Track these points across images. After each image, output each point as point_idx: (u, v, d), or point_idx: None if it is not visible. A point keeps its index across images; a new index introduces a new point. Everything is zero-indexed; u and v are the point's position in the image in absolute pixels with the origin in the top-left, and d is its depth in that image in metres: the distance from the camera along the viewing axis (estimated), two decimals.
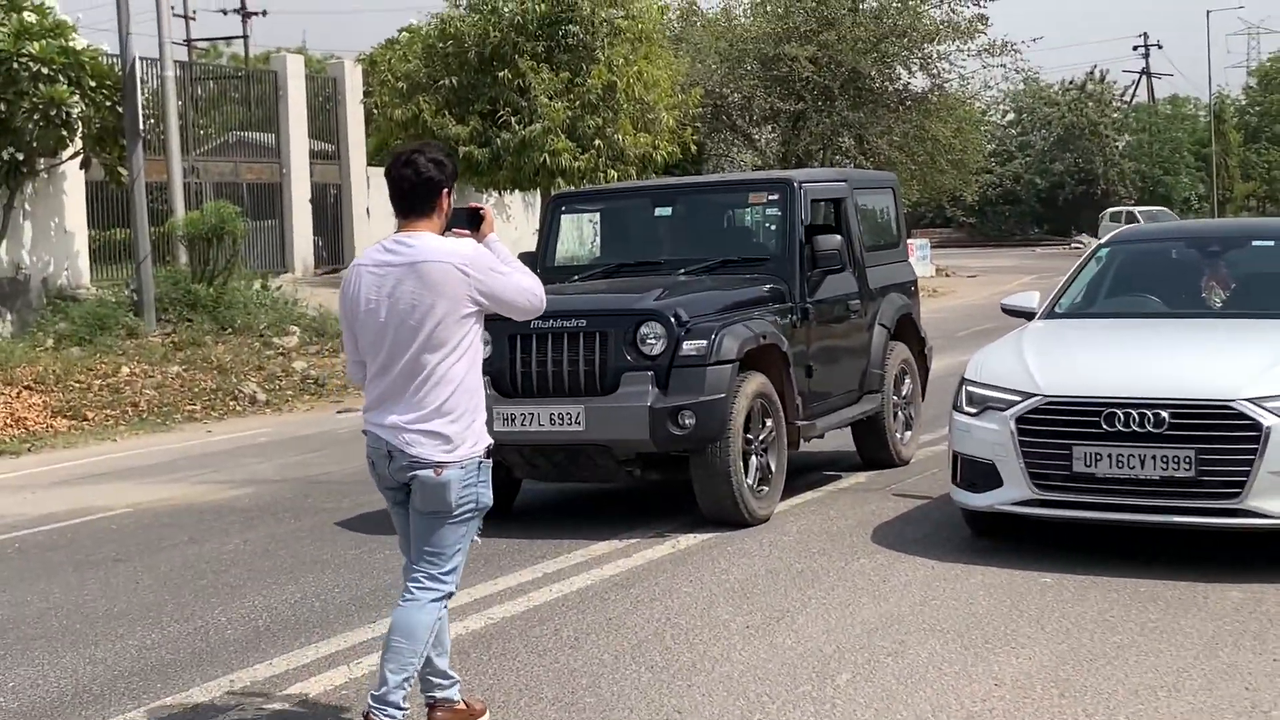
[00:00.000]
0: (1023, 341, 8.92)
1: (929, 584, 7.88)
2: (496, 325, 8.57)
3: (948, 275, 45.21)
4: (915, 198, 45.59)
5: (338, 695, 6.31)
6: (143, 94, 22.50)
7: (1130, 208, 58.84)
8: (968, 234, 68.25)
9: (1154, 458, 7.76)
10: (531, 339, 9.00)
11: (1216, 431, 7.70)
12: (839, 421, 10.71)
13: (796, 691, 6.13)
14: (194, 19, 61.30)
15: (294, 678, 6.57)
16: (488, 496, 5.46)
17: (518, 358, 9.03)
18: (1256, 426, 7.63)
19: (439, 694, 5.61)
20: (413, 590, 5.42)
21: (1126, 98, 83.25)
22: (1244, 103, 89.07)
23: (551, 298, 9.24)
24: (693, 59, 36.69)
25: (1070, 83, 73.39)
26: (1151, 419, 7.77)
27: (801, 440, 9.94)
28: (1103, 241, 10.56)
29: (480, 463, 5.39)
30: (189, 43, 58.06)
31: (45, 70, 20.73)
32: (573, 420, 8.91)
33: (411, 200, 5.37)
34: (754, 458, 9.29)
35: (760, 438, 9.36)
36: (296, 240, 29.60)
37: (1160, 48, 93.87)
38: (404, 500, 5.49)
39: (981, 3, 39.10)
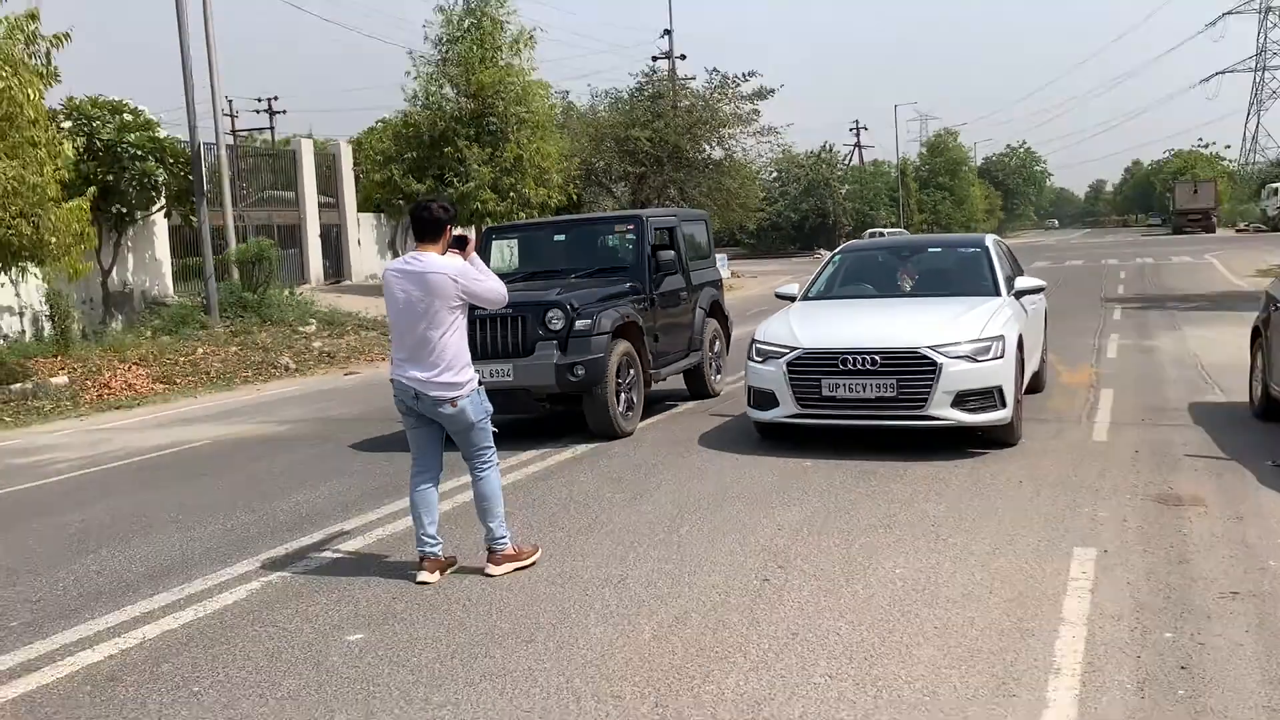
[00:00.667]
0: (790, 315, 9.09)
1: (733, 469, 8.03)
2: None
3: (739, 276, 45.54)
4: (717, 227, 45.78)
5: (356, 555, 6.31)
6: (205, 166, 22.06)
7: (882, 228, 59.62)
8: (750, 250, 68.70)
9: (872, 385, 7.98)
10: (481, 321, 8.97)
11: (909, 368, 7.93)
12: (676, 369, 10.83)
13: (655, 539, 6.24)
14: (237, 116, 59.76)
15: (330, 544, 6.57)
16: (489, 404, 5.81)
17: (475, 334, 8.99)
18: (934, 364, 7.88)
19: (430, 549, 5.69)
20: (475, 473, 5.82)
21: (846, 162, 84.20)
22: (918, 164, 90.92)
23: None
24: (571, 139, 36.66)
25: (811, 153, 74.13)
26: (869, 361, 7.99)
27: (653, 382, 10.04)
28: (836, 250, 10.77)
29: (477, 389, 5.73)
30: (233, 131, 56.42)
31: (139, 153, 20.45)
32: (505, 374, 8.94)
33: (425, 230, 5.68)
34: (623, 394, 9.36)
35: (627, 381, 9.44)
36: (311, 262, 29.08)
37: (866, 129, 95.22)
38: (423, 425, 5.80)
39: (755, 103, 39.50)
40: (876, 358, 7.98)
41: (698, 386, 11.45)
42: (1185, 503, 6.65)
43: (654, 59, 44.91)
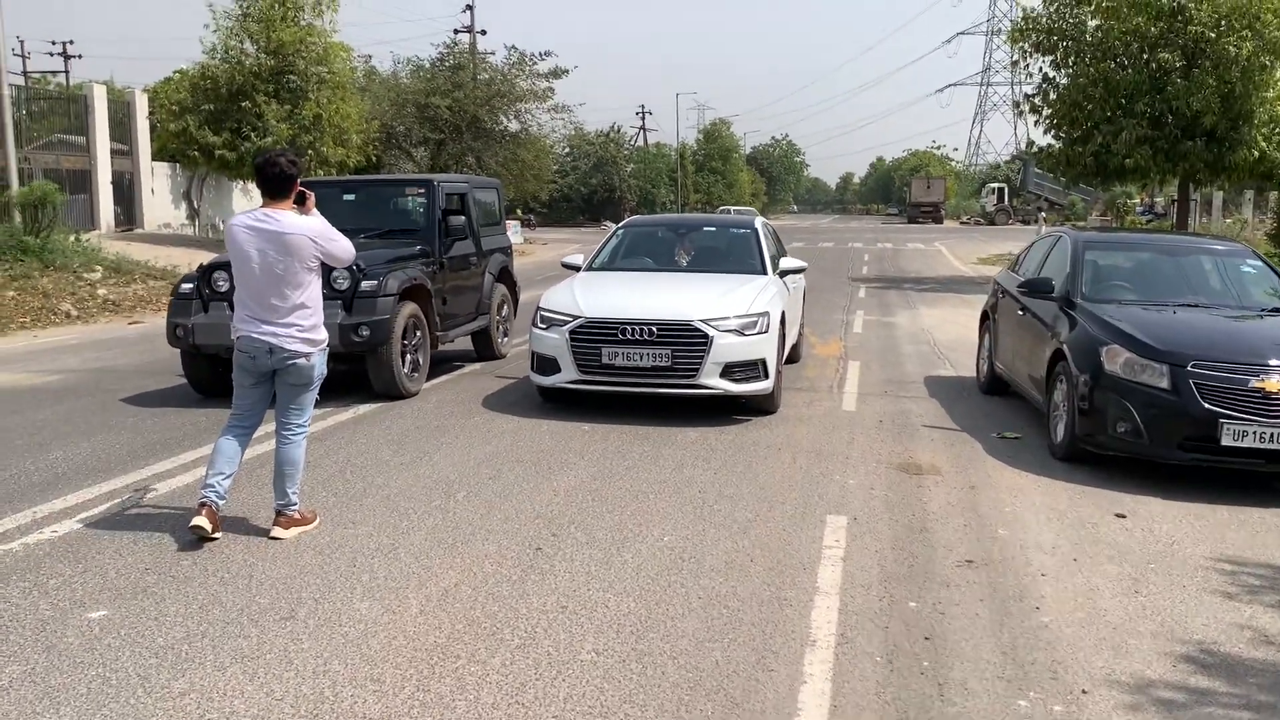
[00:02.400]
0: (574, 284, 8.68)
1: (515, 432, 7.57)
2: (228, 267, 7.73)
3: (531, 243, 44.82)
4: (511, 196, 44.90)
5: (111, 520, 5.50)
6: None
7: (730, 206, 55.88)
8: (542, 219, 67.84)
9: (649, 354, 7.69)
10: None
11: (683, 340, 7.68)
12: (463, 332, 10.23)
13: (431, 505, 5.72)
14: (28, 58, 54.14)
15: (84, 508, 5.68)
16: (325, 369, 5.33)
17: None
18: (706, 336, 7.66)
19: (215, 496, 5.14)
20: (287, 435, 5.27)
21: (632, 143, 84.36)
22: (695, 149, 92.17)
23: None
24: (373, 103, 35.05)
25: (601, 132, 73.88)
26: (646, 332, 7.69)
27: (440, 344, 9.40)
28: (620, 225, 10.41)
29: (323, 350, 5.26)
30: (24, 73, 51.08)
31: None
32: None
33: (274, 186, 5.09)
34: (408, 355, 8.71)
35: (413, 343, 8.78)
36: (102, 209, 26.51)
37: (651, 114, 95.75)
38: (261, 384, 5.26)
39: (550, 81, 38.74)
40: (653, 329, 7.68)
41: (485, 349, 10.89)
42: (924, 471, 6.67)
43: (456, 32, 43.42)
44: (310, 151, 25.36)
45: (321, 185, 10.26)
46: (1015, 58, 23.50)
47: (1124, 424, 6.45)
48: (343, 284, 8.23)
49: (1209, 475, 6.48)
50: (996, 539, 5.33)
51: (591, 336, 7.80)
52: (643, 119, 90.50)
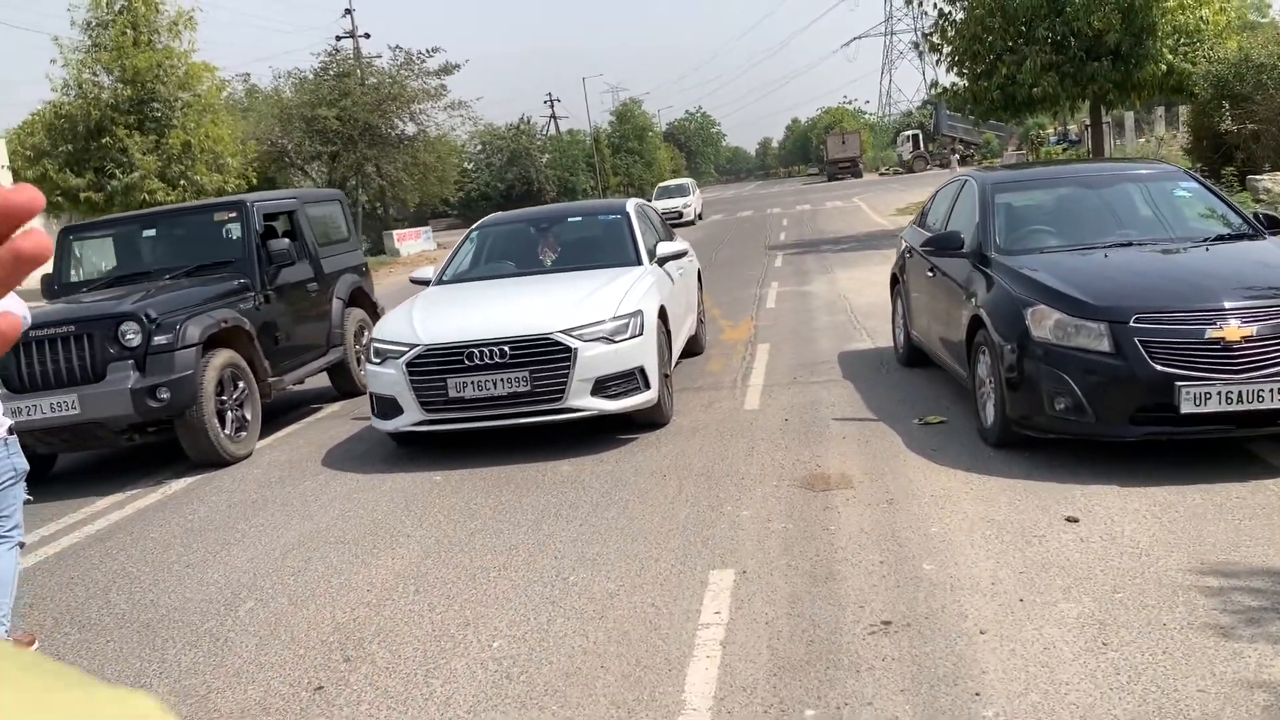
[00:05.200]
0: (414, 304, 7.37)
1: (349, 496, 6.24)
2: None
3: (445, 248, 43.32)
4: (419, 200, 43.31)
5: None
6: None
7: (671, 181, 49.98)
8: (461, 220, 66.00)
9: (503, 380, 6.41)
10: (31, 345, 6.77)
11: (542, 357, 6.42)
12: (309, 372, 8.82)
13: (201, 630, 4.39)
14: None
15: None
16: (23, 463, 4.23)
17: (21, 360, 6.78)
18: (567, 350, 6.41)
19: None
20: None
21: (544, 132, 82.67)
22: (610, 131, 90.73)
23: (46, 309, 6.96)
24: (256, 122, 33.29)
25: (511, 125, 72.14)
26: (497, 353, 6.42)
27: (273, 392, 7.99)
28: (474, 226, 9.08)
29: (5, 440, 4.11)
30: None
31: None
32: (69, 406, 6.71)
33: None
34: (229, 413, 7.34)
35: (235, 396, 7.42)
36: None
37: (559, 100, 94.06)
38: None
39: (441, 78, 37.19)
40: (505, 348, 6.41)
41: (345, 384, 9.51)
42: (833, 484, 5.48)
43: (338, 38, 41.42)
44: (183, 181, 23.64)
45: (118, 223, 8.82)
46: None
47: (1062, 399, 5.31)
48: (134, 340, 6.84)
49: (1171, 449, 5.37)
50: (921, 580, 4.15)
51: (433, 367, 6.50)
52: (552, 107, 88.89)
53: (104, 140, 23.06)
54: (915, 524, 4.79)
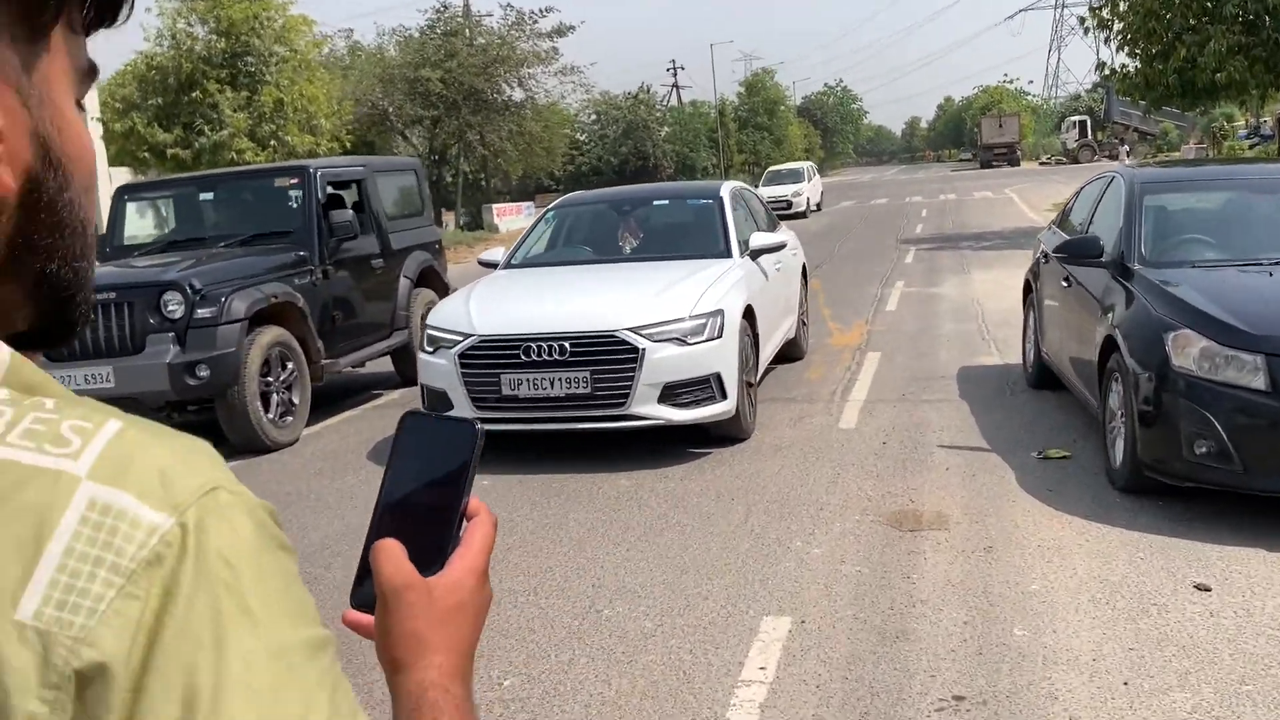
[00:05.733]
0: (474, 289, 7.30)
1: None
2: None
3: None
4: (522, 172, 43.77)
5: None
6: None
7: (784, 165, 49.88)
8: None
9: (561, 379, 6.28)
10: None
11: (605, 356, 6.26)
12: (368, 355, 8.88)
13: None
14: None
15: None
16: None
17: None
18: (634, 350, 6.23)
19: None
20: None
21: (665, 103, 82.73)
22: (737, 104, 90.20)
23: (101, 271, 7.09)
24: (358, 81, 34.05)
25: (629, 94, 72.23)
26: (556, 349, 6.28)
27: (324, 375, 8.03)
28: (551, 206, 8.98)
29: None
30: None
31: None
32: (104, 379, 6.85)
33: None
34: (275, 395, 7.40)
35: (282, 378, 7.48)
36: None
37: (684, 69, 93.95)
38: None
39: (554, 40, 37.43)
40: (565, 344, 6.26)
41: (408, 369, 9.47)
42: (925, 524, 5.18)
43: None
44: (274, 141, 24.29)
45: (174, 184, 9.00)
46: None
47: (1204, 442, 4.89)
48: (176, 311, 6.94)
49: None
50: (1009, 648, 3.84)
51: (487, 360, 6.41)
52: (674, 75, 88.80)
53: (194, 94, 23.79)
54: (1013, 578, 4.46)
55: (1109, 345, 5.67)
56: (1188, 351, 5.02)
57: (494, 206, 38.10)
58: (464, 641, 0.76)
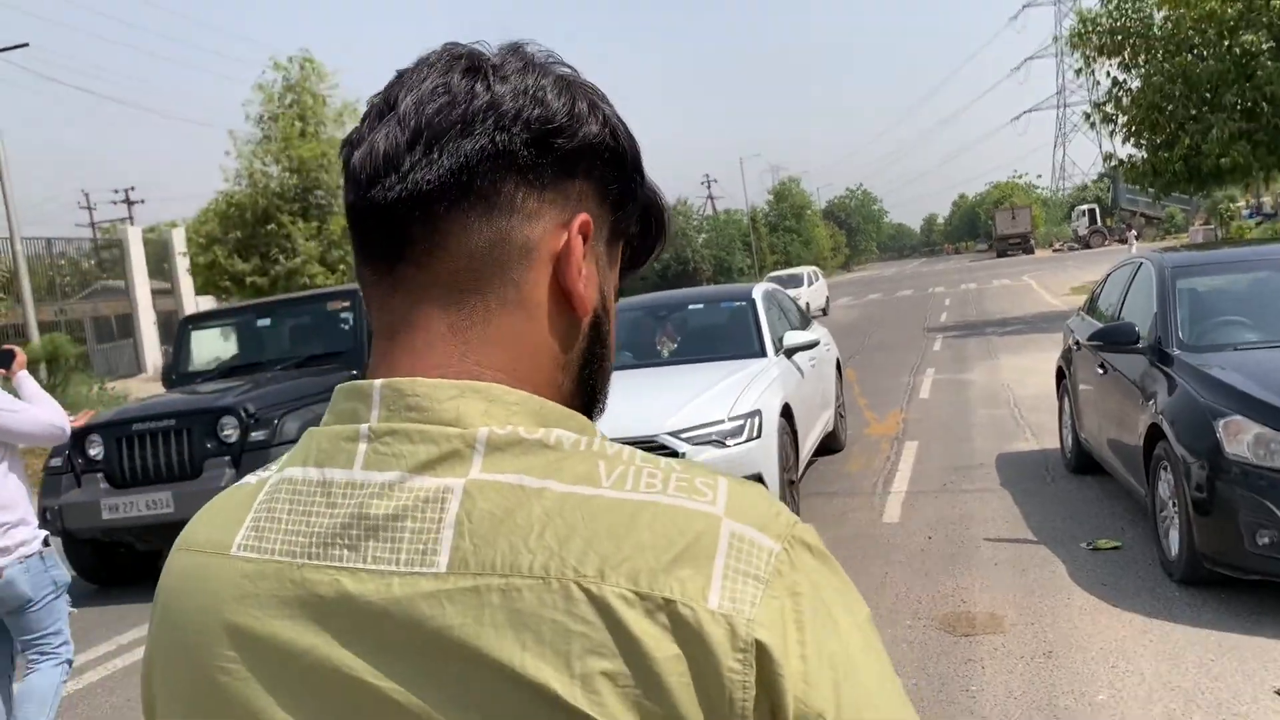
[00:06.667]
0: None
1: None
2: (104, 429, 6.41)
3: None
4: None
5: None
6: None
7: (788, 271, 48.79)
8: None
9: None
10: (132, 439, 6.69)
11: None
12: None
13: None
14: (94, 209, 55.71)
15: None
16: (63, 575, 3.96)
17: (123, 454, 6.70)
18: (675, 454, 5.79)
19: None
20: (31, 662, 3.92)
21: (701, 212, 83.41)
22: (767, 210, 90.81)
23: (149, 402, 6.87)
24: None
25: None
26: None
27: None
28: None
29: (40, 554, 3.85)
30: (92, 224, 52.43)
31: None
32: (164, 505, 6.53)
33: None
34: None
35: None
36: (147, 351, 26.12)
37: (716, 181, 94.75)
38: None
39: None
40: None
41: None
42: (979, 627, 4.64)
43: None
44: (342, 265, 24.48)
45: (234, 313, 8.80)
46: (1079, 65, 21.30)
47: (1266, 532, 4.35)
48: (231, 435, 6.63)
49: None
50: None
51: None
52: (708, 187, 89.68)
53: (270, 227, 24.09)
54: (1078, 687, 3.92)
55: (1154, 433, 5.16)
56: (1241, 438, 4.50)
57: None
58: None
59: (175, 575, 0.75)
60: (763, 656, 0.61)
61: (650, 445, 5.82)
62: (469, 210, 0.72)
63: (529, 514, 0.64)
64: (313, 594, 0.67)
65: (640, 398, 6.49)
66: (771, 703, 0.61)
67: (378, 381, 0.71)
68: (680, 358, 7.51)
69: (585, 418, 0.74)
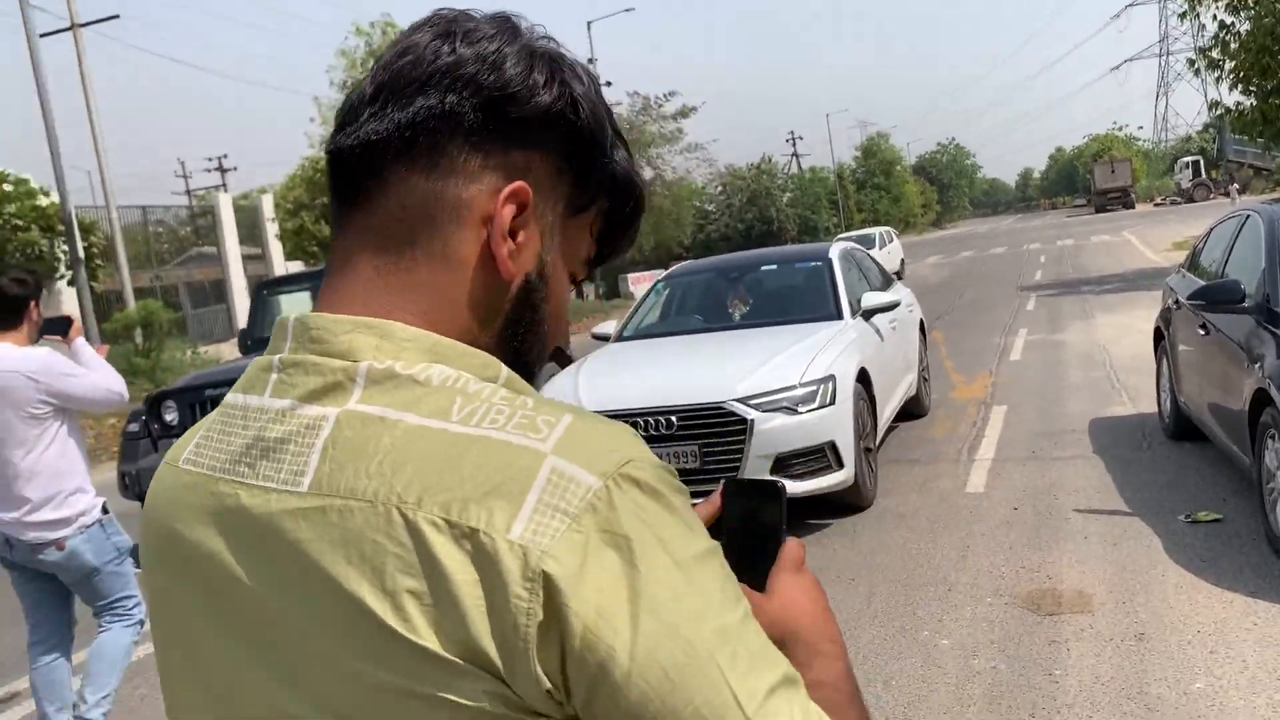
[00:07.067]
0: (582, 365, 6.80)
1: None
2: (179, 395, 6.47)
3: None
4: (652, 245, 43.64)
5: None
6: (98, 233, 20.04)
7: (858, 232, 46.88)
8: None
9: (670, 454, 5.67)
10: (206, 404, 6.76)
11: (714, 429, 5.64)
12: None
13: None
14: (190, 177, 57.23)
15: None
16: (125, 540, 3.94)
17: (197, 419, 6.71)
18: (743, 421, 5.59)
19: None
20: (100, 623, 3.96)
21: (785, 170, 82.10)
22: (854, 167, 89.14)
23: (223, 367, 6.93)
24: None
25: (752, 165, 71.90)
26: (664, 423, 5.69)
27: None
28: (661, 276, 8.44)
29: (100, 521, 3.84)
30: (188, 192, 53.85)
31: (20, 223, 18.30)
32: None
33: None
34: None
35: None
36: (239, 317, 26.58)
37: (801, 138, 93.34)
38: (36, 579, 3.89)
39: (678, 121, 37.46)
40: (672, 418, 5.67)
41: None
42: (1065, 606, 4.37)
43: None
44: None
45: (308, 277, 8.80)
46: (1183, 9, 20.17)
47: None
48: None
49: None
50: None
51: None
52: (793, 145, 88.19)
53: None
54: (1173, 674, 3.63)
55: (1261, 398, 4.77)
56: None
57: (629, 276, 38.01)
58: (817, 634, 0.81)
59: (152, 486, 0.84)
60: (550, 587, 0.63)
61: (716, 412, 5.63)
62: (411, 164, 0.75)
63: (379, 443, 0.69)
64: (221, 505, 0.74)
65: (709, 362, 6.30)
66: (560, 631, 0.63)
67: (293, 315, 0.78)
68: (752, 321, 7.27)
69: (490, 357, 0.76)
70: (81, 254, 17.99)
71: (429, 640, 0.64)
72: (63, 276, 19.92)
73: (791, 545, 0.87)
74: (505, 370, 0.76)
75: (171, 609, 0.79)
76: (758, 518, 0.89)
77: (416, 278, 0.76)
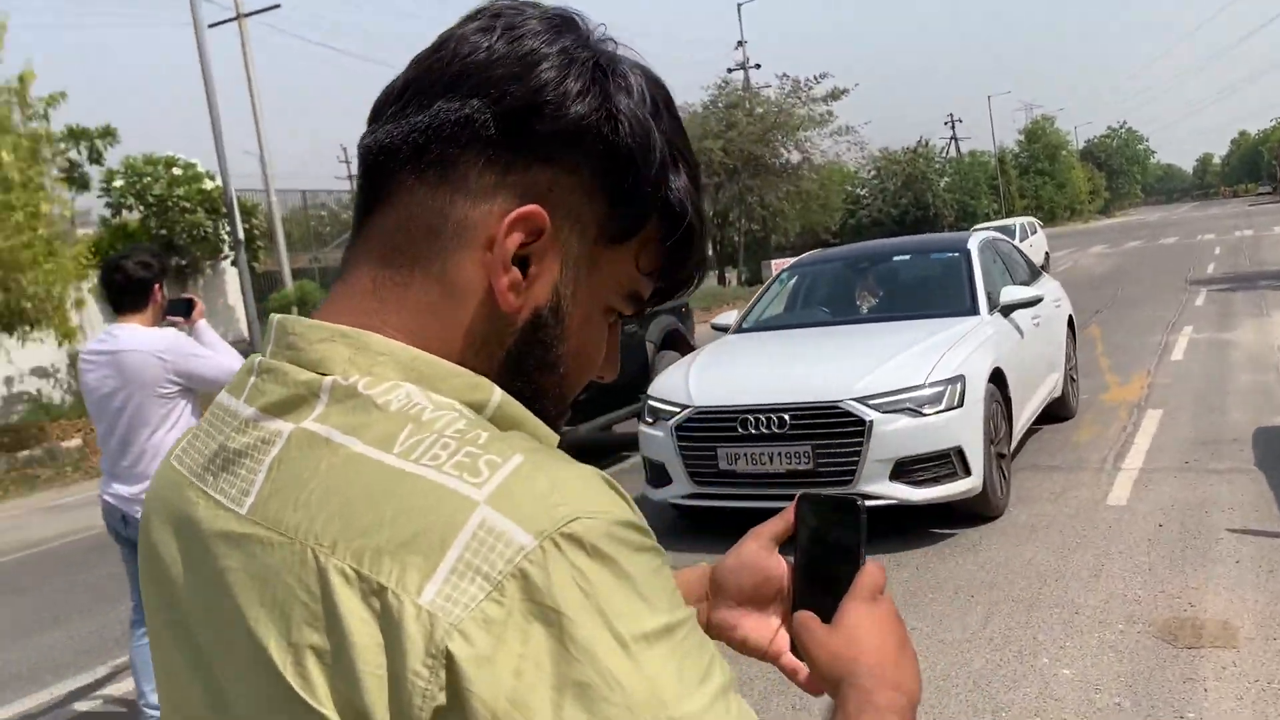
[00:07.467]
0: (695, 358, 6.61)
1: None
2: None
3: None
4: (799, 228, 42.87)
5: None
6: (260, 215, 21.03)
7: (998, 223, 44.92)
8: None
9: (780, 454, 5.45)
10: None
11: (829, 429, 5.37)
12: (614, 419, 8.36)
13: None
14: (351, 162, 59.38)
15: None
16: None
17: None
18: (861, 422, 5.30)
19: None
20: None
21: (943, 154, 79.59)
22: (1017, 152, 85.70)
23: None
24: None
25: (907, 148, 69.98)
26: (776, 421, 5.46)
27: (564, 438, 7.55)
28: (787, 266, 8.14)
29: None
30: (350, 176, 55.94)
31: (188, 205, 19.43)
32: None
33: (121, 297, 3.81)
34: None
35: None
36: None
37: (961, 121, 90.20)
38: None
39: (829, 104, 36.61)
40: (785, 416, 5.43)
41: None
42: (1206, 639, 3.95)
43: (729, 70, 42.15)
44: None
45: None
46: None
47: None
48: None
49: None
50: None
51: (703, 433, 5.67)
52: (952, 127, 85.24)
53: None
54: None
55: None
56: None
57: (773, 262, 37.51)
58: (876, 681, 0.75)
59: (154, 476, 0.80)
60: (453, 669, 0.55)
61: (832, 412, 5.36)
62: (420, 175, 0.69)
63: (315, 470, 0.63)
64: (183, 512, 0.71)
65: (826, 360, 6.01)
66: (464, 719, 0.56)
67: (276, 317, 0.72)
68: (881, 314, 6.92)
69: (481, 379, 0.68)
70: (242, 236, 18.80)
71: (325, 705, 0.57)
72: (227, 257, 20.95)
73: (870, 570, 0.81)
74: (498, 395, 0.68)
75: (149, 608, 0.76)
76: (833, 537, 0.82)
77: (412, 297, 0.70)
